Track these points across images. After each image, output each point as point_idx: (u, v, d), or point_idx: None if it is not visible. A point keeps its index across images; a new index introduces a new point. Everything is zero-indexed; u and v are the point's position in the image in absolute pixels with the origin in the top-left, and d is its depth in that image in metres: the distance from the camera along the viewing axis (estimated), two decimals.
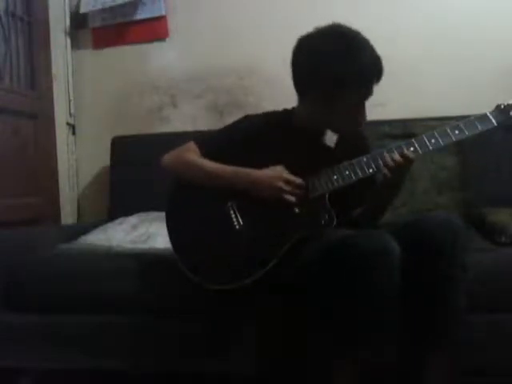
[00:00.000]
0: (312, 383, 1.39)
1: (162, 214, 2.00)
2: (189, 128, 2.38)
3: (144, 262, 1.60)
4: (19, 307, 1.60)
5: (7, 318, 1.60)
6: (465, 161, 2.03)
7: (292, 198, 1.36)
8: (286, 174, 1.38)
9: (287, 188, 1.36)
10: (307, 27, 2.23)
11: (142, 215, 2.04)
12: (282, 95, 2.29)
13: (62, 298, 1.57)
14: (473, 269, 1.32)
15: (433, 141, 1.31)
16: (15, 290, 1.61)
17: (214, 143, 1.51)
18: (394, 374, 1.33)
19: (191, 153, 1.48)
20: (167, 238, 1.76)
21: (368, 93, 1.37)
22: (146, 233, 1.86)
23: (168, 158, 1.52)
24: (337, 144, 1.46)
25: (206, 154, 1.47)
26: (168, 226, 1.49)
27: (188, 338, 1.53)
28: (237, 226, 1.40)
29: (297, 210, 1.37)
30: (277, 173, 1.38)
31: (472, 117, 1.31)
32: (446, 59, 2.21)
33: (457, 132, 1.30)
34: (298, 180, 1.38)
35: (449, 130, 1.31)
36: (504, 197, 1.96)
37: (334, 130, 1.45)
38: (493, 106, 1.35)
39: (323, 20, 2.41)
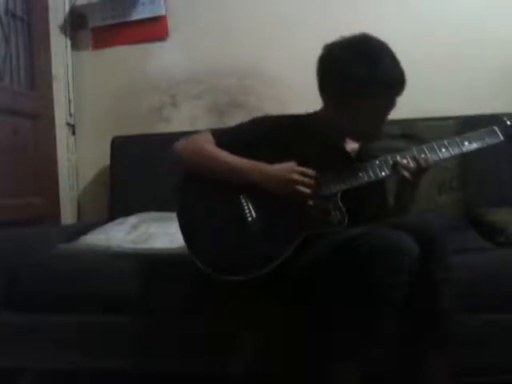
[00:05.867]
0: (312, 383, 1.40)
1: (162, 214, 2.02)
2: (189, 128, 2.38)
3: (144, 261, 1.60)
4: (19, 307, 1.60)
5: (7, 318, 1.61)
6: (465, 161, 2.03)
7: (304, 190, 1.35)
8: (298, 167, 1.37)
9: (299, 179, 1.35)
10: (307, 27, 2.25)
11: (142, 215, 2.04)
12: (283, 95, 2.32)
13: (62, 298, 1.57)
14: (472, 269, 1.32)
15: (443, 149, 1.35)
16: (15, 290, 1.61)
17: (230, 137, 1.48)
18: (394, 374, 1.33)
19: (206, 142, 1.45)
20: (167, 238, 1.77)
21: (388, 105, 1.38)
22: (146, 233, 1.86)
23: (181, 144, 1.48)
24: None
25: (221, 146, 1.45)
26: (179, 218, 1.46)
27: (188, 338, 1.53)
28: (249, 219, 1.39)
29: (311, 204, 1.36)
30: (289, 166, 1.38)
31: (481, 130, 1.36)
32: (446, 59, 2.21)
33: (466, 143, 1.35)
34: (310, 171, 1.37)
35: (458, 141, 1.35)
36: (504, 197, 1.96)
37: (353, 139, 1.46)
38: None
39: (323, 20, 2.42)
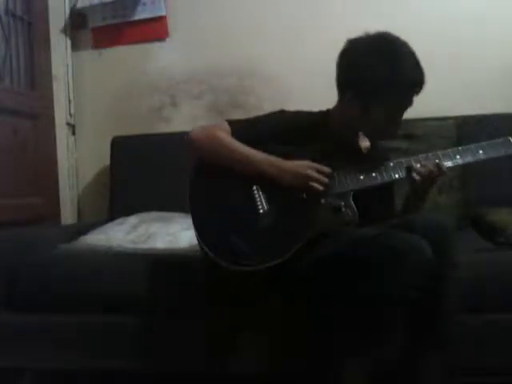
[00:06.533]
0: (312, 383, 1.40)
1: (163, 214, 2.02)
2: (189, 128, 2.36)
3: (144, 262, 1.60)
4: (19, 307, 1.60)
5: (7, 318, 1.61)
6: None
7: (318, 186, 1.35)
8: (314, 164, 1.37)
9: (314, 175, 1.35)
10: (307, 27, 2.24)
11: (142, 215, 2.04)
12: (282, 95, 2.31)
13: (62, 298, 1.57)
14: (473, 269, 1.32)
15: (458, 157, 1.36)
16: (15, 290, 1.61)
17: (246, 129, 1.46)
18: (393, 373, 1.33)
19: (222, 132, 1.44)
20: (167, 238, 1.77)
21: (406, 104, 1.37)
22: (146, 233, 1.86)
23: (197, 132, 1.47)
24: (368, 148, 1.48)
25: (237, 136, 1.43)
26: (190, 207, 1.45)
27: (188, 338, 1.53)
28: (261, 210, 1.39)
29: (323, 201, 1.36)
30: (305, 162, 1.38)
31: (496, 140, 1.37)
32: (446, 59, 2.21)
33: (481, 152, 1.36)
34: (326, 168, 1.37)
35: (473, 149, 1.36)
36: (504, 197, 1.96)
37: (368, 136, 1.46)
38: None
39: (323, 21, 2.41)
